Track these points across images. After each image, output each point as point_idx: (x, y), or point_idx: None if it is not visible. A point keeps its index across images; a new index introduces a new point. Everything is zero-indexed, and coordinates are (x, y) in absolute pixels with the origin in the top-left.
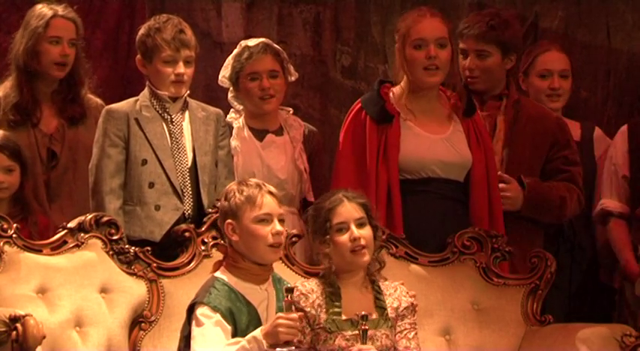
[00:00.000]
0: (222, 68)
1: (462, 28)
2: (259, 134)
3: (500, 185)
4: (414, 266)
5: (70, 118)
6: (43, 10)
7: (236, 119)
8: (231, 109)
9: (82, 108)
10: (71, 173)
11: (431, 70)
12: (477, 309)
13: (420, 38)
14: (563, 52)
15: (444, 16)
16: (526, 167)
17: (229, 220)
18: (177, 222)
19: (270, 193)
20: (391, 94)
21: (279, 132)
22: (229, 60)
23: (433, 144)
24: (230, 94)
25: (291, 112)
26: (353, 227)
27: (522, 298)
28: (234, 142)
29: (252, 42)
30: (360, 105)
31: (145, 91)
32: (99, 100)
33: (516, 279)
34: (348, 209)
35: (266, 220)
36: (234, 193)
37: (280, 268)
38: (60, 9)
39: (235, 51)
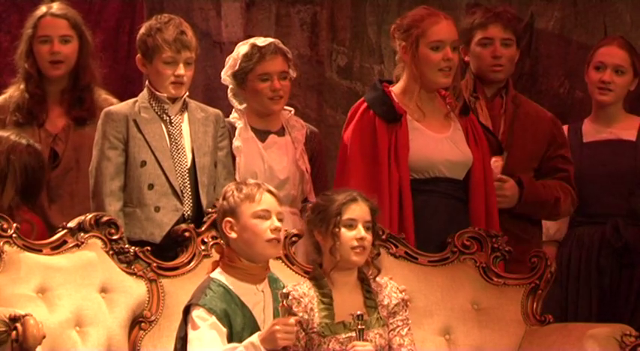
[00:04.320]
0: (227, 67)
1: (479, 18)
2: (261, 135)
3: (497, 184)
4: (413, 266)
5: (76, 118)
6: (38, 10)
7: (239, 119)
8: (234, 109)
9: (88, 109)
10: (74, 174)
11: (445, 71)
12: (477, 309)
13: (439, 40)
14: (625, 49)
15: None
16: (526, 165)
17: (228, 218)
18: (177, 223)
19: (270, 191)
20: (393, 94)
21: (280, 132)
22: (237, 58)
23: (439, 143)
24: (230, 93)
25: (292, 112)
26: (360, 227)
27: (522, 297)
28: (237, 142)
29: (261, 42)
30: (365, 105)
31: (144, 92)
32: (115, 101)
33: (516, 279)
34: (362, 209)
35: (264, 216)
36: (233, 192)
37: (280, 268)
38: (54, 6)
39: (244, 50)
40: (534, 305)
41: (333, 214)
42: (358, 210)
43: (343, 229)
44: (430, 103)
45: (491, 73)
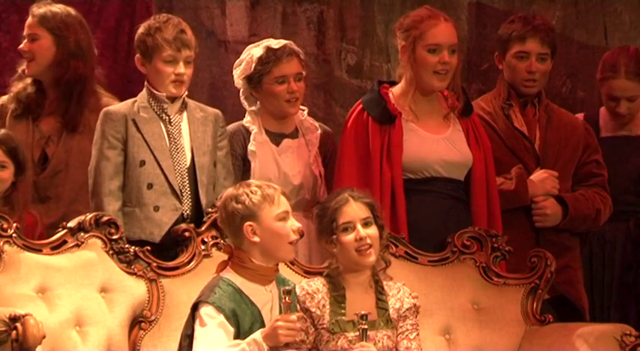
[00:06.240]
0: (241, 70)
1: (517, 30)
2: (275, 138)
3: (539, 204)
4: (414, 266)
5: (67, 123)
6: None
7: (252, 123)
8: (247, 112)
9: (76, 117)
10: (62, 176)
11: (441, 74)
12: (477, 308)
13: (436, 43)
14: (634, 80)
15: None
16: (564, 173)
17: (249, 222)
18: (176, 222)
19: (283, 193)
20: (391, 95)
21: (294, 134)
22: (250, 61)
23: (435, 144)
24: (242, 96)
25: (306, 112)
26: (359, 227)
27: (522, 297)
28: (252, 147)
29: (275, 44)
30: (361, 106)
31: (144, 92)
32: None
33: (516, 278)
34: (354, 209)
35: (286, 217)
36: (248, 194)
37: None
38: (41, 6)
39: (258, 53)
40: (534, 305)
41: (328, 223)
42: (351, 211)
43: (342, 235)
44: (428, 103)
45: (523, 88)
